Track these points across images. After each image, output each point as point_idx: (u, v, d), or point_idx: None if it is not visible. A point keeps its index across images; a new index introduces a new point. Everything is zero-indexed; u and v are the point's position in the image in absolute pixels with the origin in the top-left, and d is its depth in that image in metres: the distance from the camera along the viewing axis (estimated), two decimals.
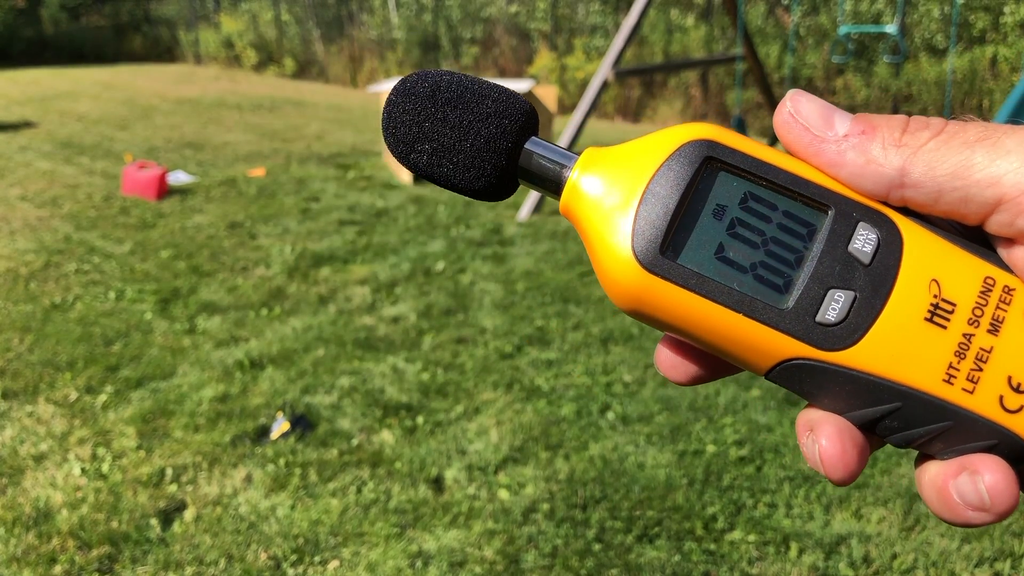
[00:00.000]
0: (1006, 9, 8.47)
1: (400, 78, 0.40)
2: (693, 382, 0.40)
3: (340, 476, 2.62)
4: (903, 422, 0.35)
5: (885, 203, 0.36)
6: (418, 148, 0.39)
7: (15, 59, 17.68)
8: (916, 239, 0.35)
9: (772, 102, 7.35)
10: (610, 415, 2.98)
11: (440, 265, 4.69)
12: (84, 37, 19.02)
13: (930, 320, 0.34)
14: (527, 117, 0.39)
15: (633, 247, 0.35)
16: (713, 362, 0.39)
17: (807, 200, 0.36)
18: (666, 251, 0.35)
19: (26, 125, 9.54)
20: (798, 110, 0.36)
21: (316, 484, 2.58)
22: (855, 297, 0.34)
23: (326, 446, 2.79)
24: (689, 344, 0.39)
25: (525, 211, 5.81)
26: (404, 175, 6.90)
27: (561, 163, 0.39)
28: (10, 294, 4.23)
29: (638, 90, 11.27)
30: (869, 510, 2.43)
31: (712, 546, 2.29)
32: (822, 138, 0.35)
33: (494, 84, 0.40)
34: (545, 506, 2.46)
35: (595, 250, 0.37)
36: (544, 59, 12.16)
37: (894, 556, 2.26)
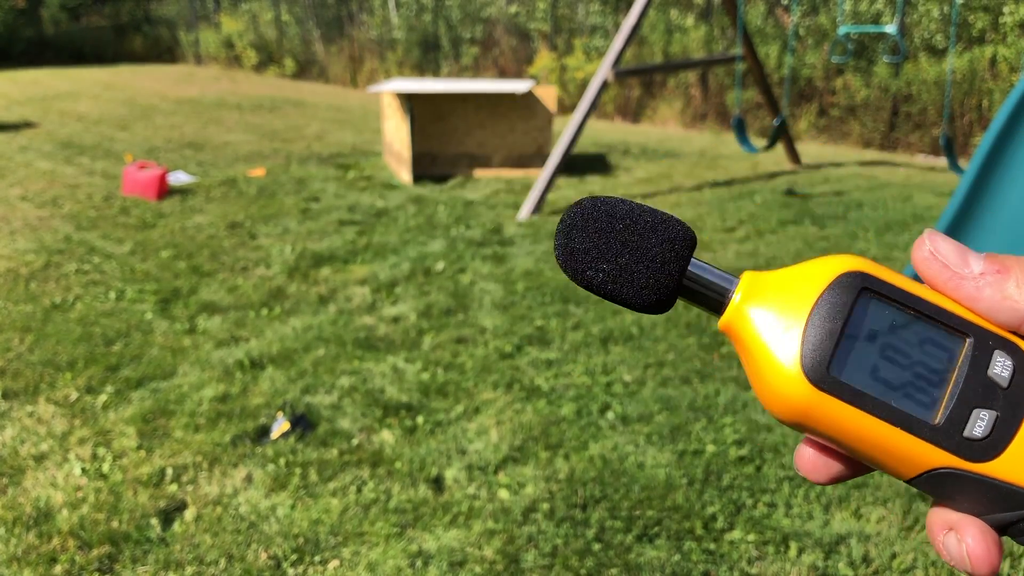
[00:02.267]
0: (1006, 9, 8.47)
1: (574, 202, 0.45)
2: (832, 481, 0.43)
3: (340, 476, 2.62)
4: None
5: (1016, 333, 0.40)
6: (595, 267, 0.43)
7: (15, 59, 17.68)
8: None
9: (772, 102, 7.35)
10: (610, 415, 2.99)
11: (440, 265, 4.70)
12: (84, 37, 19.03)
13: None
14: (692, 242, 0.44)
15: (802, 365, 0.40)
16: (855, 464, 0.43)
17: (948, 328, 0.40)
18: (831, 370, 0.40)
19: (26, 125, 9.54)
20: (937, 249, 0.41)
21: (316, 484, 2.58)
22: (997, 416, 0.39)
23: (326, 446, 2.79)
24: (834, 448, 0.43)
25: (525, 211, 5.81)
26: (404, 175, 6.89)
27: (724, 286, 0.43)
28: (10, 294, 4.23)
29: (638, 90, 11.27)
30: (868, 510, 2.44)
31: (712, 546, 2.29)
32: (961, 275, 0.40)
33: (660, 211, 0.44)
34: (545, 506, 2.46)
35: (760, 367, 0.41)
36: (544, 59, 12.16)
37: (893, 556, 2.26)
